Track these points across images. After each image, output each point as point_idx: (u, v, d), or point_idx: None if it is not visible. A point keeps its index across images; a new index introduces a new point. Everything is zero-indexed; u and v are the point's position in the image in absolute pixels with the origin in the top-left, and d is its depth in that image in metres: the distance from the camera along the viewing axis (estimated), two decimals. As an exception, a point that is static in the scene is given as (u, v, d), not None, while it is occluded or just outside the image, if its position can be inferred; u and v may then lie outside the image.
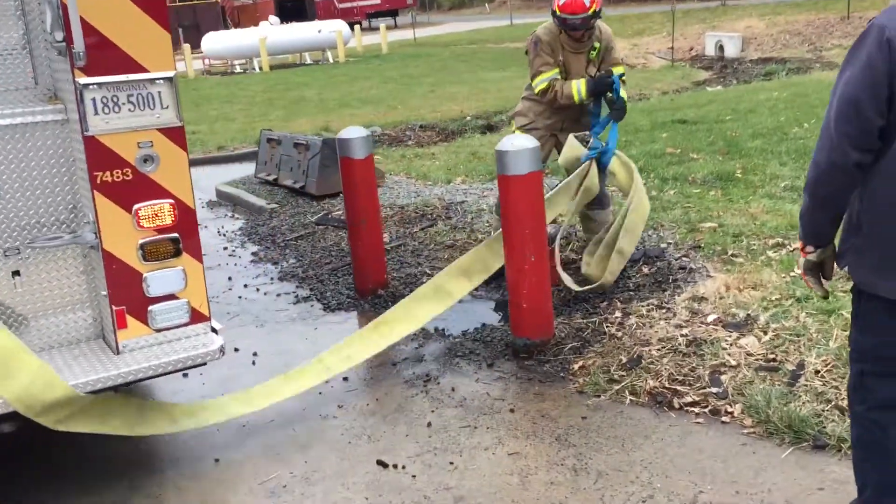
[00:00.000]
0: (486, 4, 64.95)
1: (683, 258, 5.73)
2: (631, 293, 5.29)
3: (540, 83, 5.61)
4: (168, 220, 3.51)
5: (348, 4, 57.93)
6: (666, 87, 18.68)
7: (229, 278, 6.73)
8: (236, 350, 5.09)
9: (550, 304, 4.75)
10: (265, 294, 6.27)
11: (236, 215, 9.03)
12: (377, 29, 36.43)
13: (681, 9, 32.55)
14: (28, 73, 3.49)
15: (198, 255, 3.63)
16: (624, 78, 5.77)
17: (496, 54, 27.02)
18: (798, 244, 2.72)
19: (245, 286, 6.49)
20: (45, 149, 3.48)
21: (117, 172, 3.38)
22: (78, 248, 3.61)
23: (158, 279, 3.51)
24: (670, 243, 5.99)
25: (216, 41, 29.51)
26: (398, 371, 4.69)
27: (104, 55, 3.28)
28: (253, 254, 7.38)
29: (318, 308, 5.87)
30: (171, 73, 3.43)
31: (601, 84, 5.60)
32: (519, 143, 4.46)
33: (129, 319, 3.50)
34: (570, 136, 5.60)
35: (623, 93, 5.71)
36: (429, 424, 4.02)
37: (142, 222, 3.47)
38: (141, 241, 3.47)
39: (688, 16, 33.35)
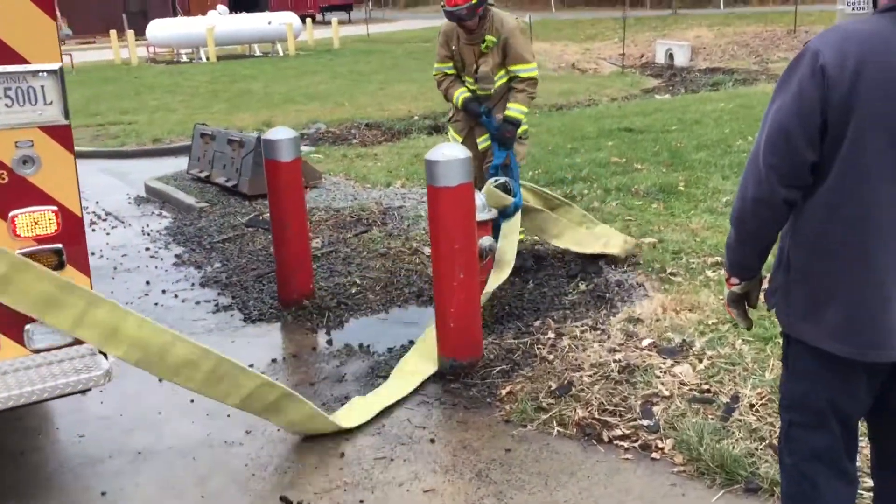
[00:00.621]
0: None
1: (622, 274, 5.54)
2: (566, 311, 5.06)
3: (434, 71, 5.79)
4: (50, 230, 3.16)
5: (302, -3, 57.17)
6: (615, 93, 18.63)
7: (147, 282, 6.34)
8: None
9: (479, 324, 4.48)
10: (183, 301, 5.90)
11: (164, 213, 8.60)
12: (330, 23, 35.86)
13: (633, 16, 32.73)
14: None
15: (84, 268, 3.28)
16: (528, 76, 5.49)
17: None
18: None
19: (163, 292, 6.11)
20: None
21: (-10, 175, 3.02)
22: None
23: (38, 294, 3.14)
24: (609, 259, 5.79)
25: (162, 28, 28.72)
26: (316, 392, 4.38)
27: (-24, 43, 2.92)
28: (176, 256, 6.98)
29: (237, 318, 5.52)
30: (55, 66, 3.08)
31: (471, 109, 5.62)
32: (450, 153, 4.19)
33: (3, 340, 3.14)
34: (489, 185, 5.37)
35: (515, 111, 5.48)
36: (342, 455, 3.72)
37: (19, 231, 3.11)
38: (18, 252, 3.11)
39: (639, 23, 33.53)
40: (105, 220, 8.41)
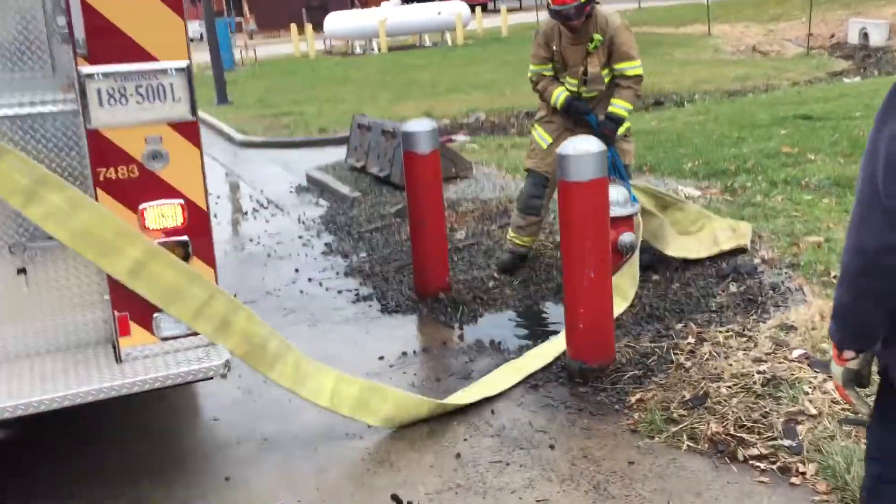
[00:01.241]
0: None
1: (778, 276, 5.10)
2: (712, 314, 4.72)
3: (529, 73, 5.60)
4: (177, 222, 3.27)
5: (474, -14, 57.58)
6: (797, 77, 17.41)
7: (296, 270, 6.54)
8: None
9: (612, 326, 4.26)
10: (327, 290, 6.03)
11: (321, 202, 8.87)
12: (499, 11, 35.86)
13: (823, -8, 30.38)
14: (46, 60, 3.31)
15: (210, 260, 3.38)
16: (635, 73, 5.29)
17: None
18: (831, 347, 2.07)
19: (309, 280, 6.28)
20: (56, 140, 3.29)
21: (122, 169, 3.16)
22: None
23: (165, 284, 3.26)
24: (766, 259, 5.36)
25: (337, 21, 29.81)
26: (441, 388, 4.33)
27: (109, 42, 3.05)
28: (326, 244, 7.17)
29: (375, 309, 5.57)
30: (184, 63, 3.17)
31: (577, 109, 5.38)
32: (582, 147, 3.99)
33: (133, 326, 3.29)
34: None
35: (620, 108, 5.26)
36: (457, 456, 3.64)
37: (148, 223, 3.24)
38: (148, 243, 3.24)
39: (830, 0, 31.11)
40: (266, 208, 8.79)
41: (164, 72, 3.16)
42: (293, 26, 32.46)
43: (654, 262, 5.44)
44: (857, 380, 2.04)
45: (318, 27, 31.67)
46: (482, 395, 4.07)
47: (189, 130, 3.26)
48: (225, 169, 11.39)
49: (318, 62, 27.56)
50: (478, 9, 35.94)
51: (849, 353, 2.00)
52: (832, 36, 28.70)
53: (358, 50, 30.38)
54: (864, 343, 1.96)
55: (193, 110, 3.25)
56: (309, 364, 3.63)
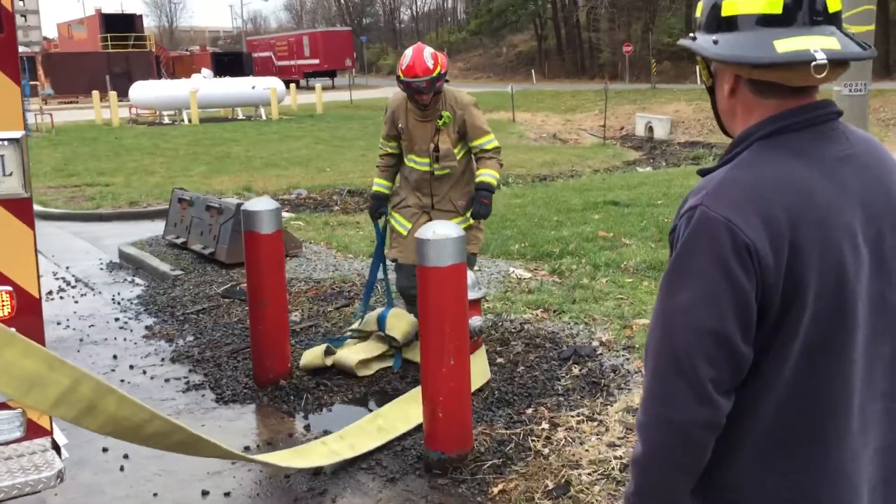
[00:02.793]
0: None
1: (616, 359, 5.27)
2: (560, 398, 4.77)
3: (380, 148, 5.66)
4: (3, 312, 2.86)
5: (287, 62, 57.92)
6: (598, 164, 18.69)
7: (114, 356, 5.98)
8: (105, 450, 4.38)
9: (470, 414, 4.18)
10: (152, 378, 5.54)
11: (137, 280, 8.26)
12: (314, 88, 36.09)
13: (613, 89, 33.18)
14: None
15: (40, 353, 2.96)
16: (494, 146, 5.32)
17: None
18: None
19: (131, 367, 5.75)
20: None
21: (-62, 251, 2.73)
22: None
23: (-15, 384, 2.82)
24: (603, 341, 5.54)
25: (145, 90, 28.74)
26: (290, 486, 4.03)
27: (-69, 108, 2.66)
28: (147, 328, 6.64)
29: (209, 398, 5.17)
30: (17, 134, 2.82)
31: (374, 209, 5.71)
32: (441, 232, 3.95)
33: (-57, 433, 2.80)
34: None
35: (489, 177, 5.27)
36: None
37: (-33, 313, 2.80)
38: (-34, 336, 2.80)
39: (619, 96, 34.03)
40: (74, 287, 8.06)
41: (-6, 142, 2.79)
42: (95, 92, 30.86)
43: None
44: None
45: (122, 94, 30.32)
46: (342, 456, 3.99)
47: (21, 208, 2.88)
48: (22, 243, 10.39)
49: (122, 130, 26.27)
50: (292, 85, 35.99)
51: None
52: (622, 128, 31.29)
53: (167, 120, 29.33)
54: None
55: (26, 186, 2.88)
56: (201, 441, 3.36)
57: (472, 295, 5.01)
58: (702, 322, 1.47)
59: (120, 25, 51.38)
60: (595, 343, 5.52)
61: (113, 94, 29.30)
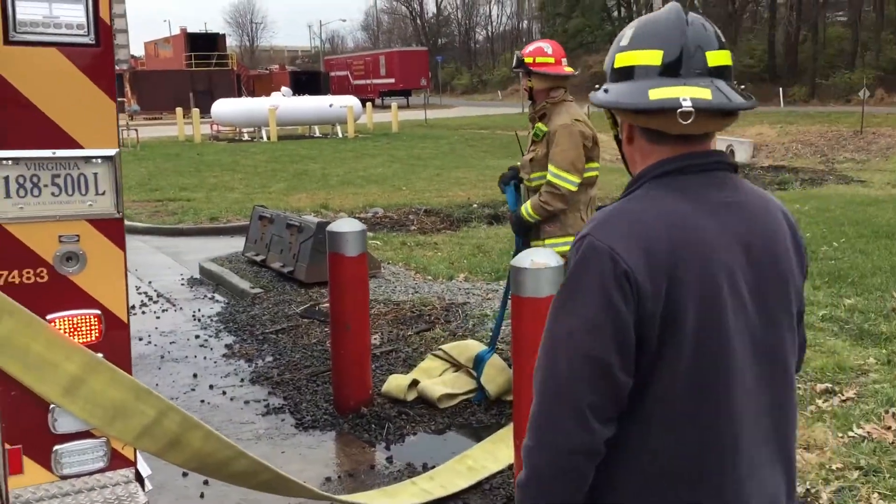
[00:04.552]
0: (499, 91, 65.67)
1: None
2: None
3: None
4: (91, 337, 2.75)
5: (363, 81, 58.71)
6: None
7: (194, 375, 5.92)
8: (185, 475, 4.27)
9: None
10: (232, 399, 5.45)
11: (217, 297, 8.26)
12: (389, 107, 36.39)
13: (694, 109, 32.40)
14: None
15: (127, 379, 2.85)
16: (551, 179, 4.56)
17: (506, 141, 26.66)
18: None
19: (211, 387, 5.68)
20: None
21: (28, 272, 2.64)
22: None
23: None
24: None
25: (226, 107, 29.37)
26: (374, 522, 3.85)
27: (24, 123, 2.57)
28: (227, 346, 6.58)
29: (289, 423, 5.04)
30: (111, 152, 2.72)
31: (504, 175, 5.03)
32: (540, 261, 3.72)
33: (27, 462, 2.70)
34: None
35: (523, 209, 4.72)
36: None
37: (55, 337, 2.70)
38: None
39: (701, 117, 33.19)
40: (156, 301, 8.09)
41: (87, 160, 2.69)
42: (178, 109, 31.69)
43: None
44: None
45: (204, 111, 31.05)
46: (433, 495, 3.88)
47: (112, 229, 2.78)
48: (106, 256, 10.56)
49: (204, 147, 26.85)
50: (368, 104, 36.37)
51: None
52: (703, 150, 30.49)
53: (246, 137, 29.90)
54: None
55: (119, 206, 2.78)
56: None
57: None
58: (583, 348, 1.52)
59: (204, 44, 52.92)
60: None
61: (196, 111, 30.01)
